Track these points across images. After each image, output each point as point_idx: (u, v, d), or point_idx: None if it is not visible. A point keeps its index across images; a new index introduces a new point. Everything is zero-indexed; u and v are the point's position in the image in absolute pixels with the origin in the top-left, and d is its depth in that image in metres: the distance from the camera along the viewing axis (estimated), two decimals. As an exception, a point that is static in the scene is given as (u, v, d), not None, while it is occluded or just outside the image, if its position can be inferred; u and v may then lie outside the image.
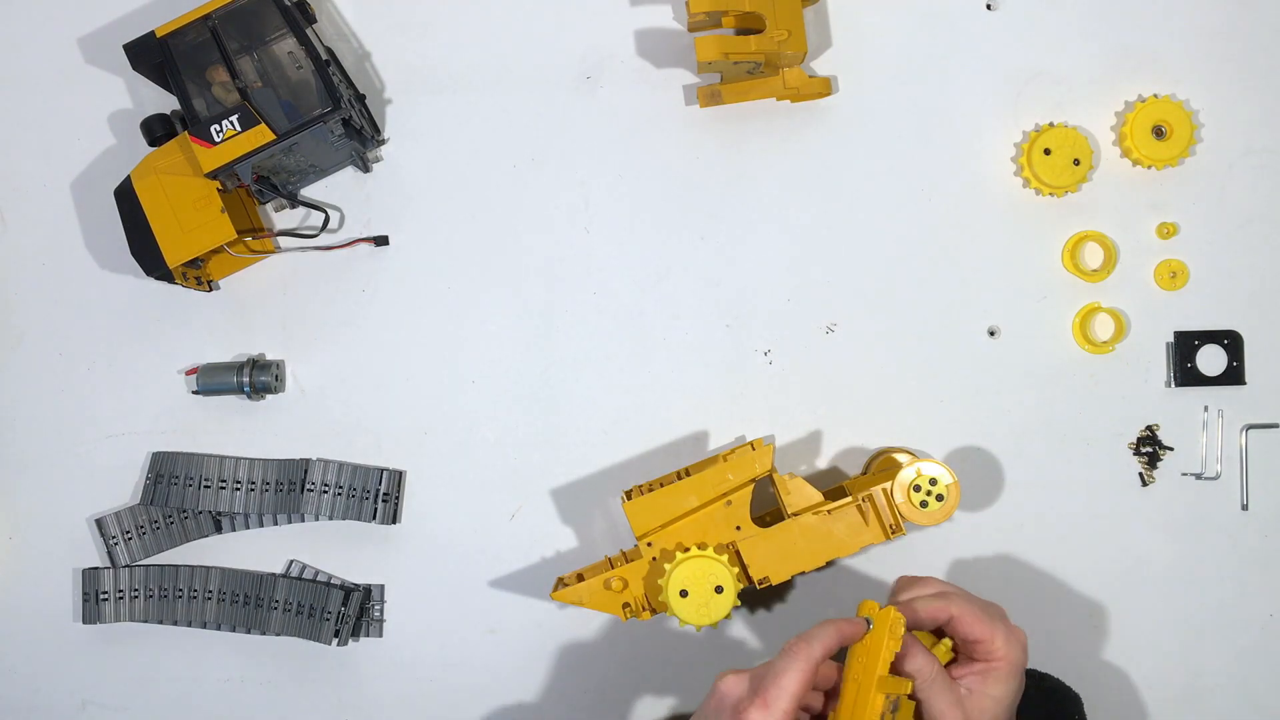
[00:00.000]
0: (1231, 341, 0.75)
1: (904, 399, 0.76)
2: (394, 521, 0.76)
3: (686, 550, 0.66)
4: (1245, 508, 0.75)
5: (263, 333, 0.77)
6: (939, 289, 0.76)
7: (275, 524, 0.76)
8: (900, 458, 0.73)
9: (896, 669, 0.57)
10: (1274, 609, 0.75)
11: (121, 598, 0.75)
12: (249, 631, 0.76)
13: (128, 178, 0.72)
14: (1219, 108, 0.76)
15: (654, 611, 0.68)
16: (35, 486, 0.77)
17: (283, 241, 0.76)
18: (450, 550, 0.76)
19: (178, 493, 0.75)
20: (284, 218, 0.77)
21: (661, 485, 0.69)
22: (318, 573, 0.76)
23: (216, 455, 0.76)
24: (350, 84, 0.76)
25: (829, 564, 0.73)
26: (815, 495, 0.68)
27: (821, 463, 0.76)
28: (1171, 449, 0.75)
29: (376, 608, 0.76)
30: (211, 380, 0.75)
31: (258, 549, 0.76)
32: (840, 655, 0.58)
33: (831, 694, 0.59)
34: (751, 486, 0.68)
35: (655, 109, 0.77)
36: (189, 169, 0.70)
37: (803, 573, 0.67)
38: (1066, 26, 0.76)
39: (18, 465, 0.77)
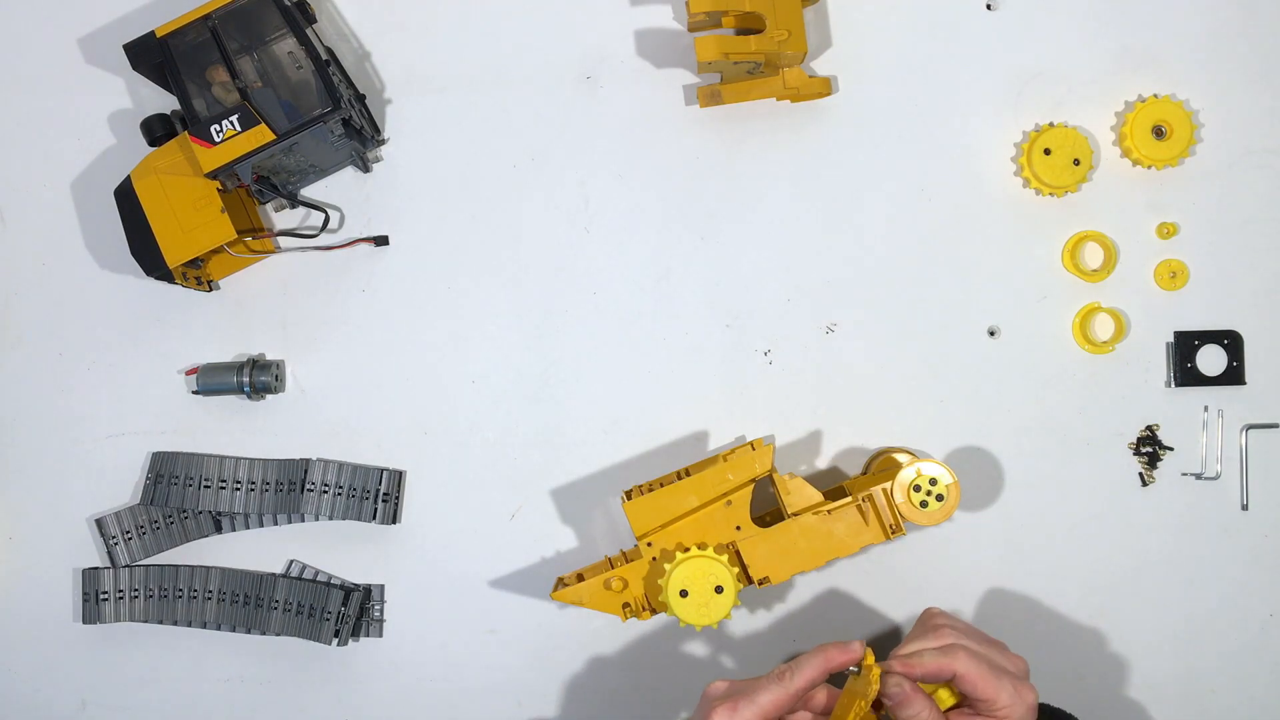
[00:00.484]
0: (1231, 341, 0.75)
1: (904, 399, 0.75)
2: (394, 521, 0.76)
3: (686, 550, 0.66)
4: (1245, 508, 0.75)
5: (263, 333, 0.77)
6: (939, 289, 0.76)
7: (275, 524, 0.76)
8: (900, 458, 0.73)
9: (896, 714, 0.57)
10: (1273, 609, 0.75)
11: (121, 598, 0.75)
12: (249, 631, 0.76)
13: (128, 178, 0.72)
14: (1219, 108, 0.76)
15: (654, 611, 0.68)
16: (35, 486, 0.77)
17: (283, 241, 0.76)
18: (450, 550, 0.76)
19: (178, 493, 0.75)
20: (284, 218, 0.77)
21: (661, 485, 0.69)
22: (318, 573, 0.76)
23: (216, 455, 0.76)
24: (350, 84, 0.76)
25: (829, 564, 0.73)
26: (815, 495, 0.68)
27: (821, 463, 0.76)
28: (1171, 449, 0.75)
29: (376, 608, 0.76)
30: (211, 380, 0.75)
31: (258, 549, 0.76)
32: (839, 679, 0.59)
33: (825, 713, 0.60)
34: (751, 486, 0.68)
35: (655, 109, 0.77)
36: (189, 169, 0.70)
37: (803, 573, 0.67)
38: (1066, 26, 0.76)
39: (17, 465, 0.77)
